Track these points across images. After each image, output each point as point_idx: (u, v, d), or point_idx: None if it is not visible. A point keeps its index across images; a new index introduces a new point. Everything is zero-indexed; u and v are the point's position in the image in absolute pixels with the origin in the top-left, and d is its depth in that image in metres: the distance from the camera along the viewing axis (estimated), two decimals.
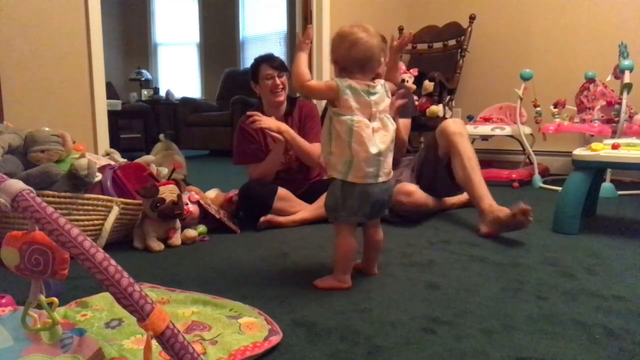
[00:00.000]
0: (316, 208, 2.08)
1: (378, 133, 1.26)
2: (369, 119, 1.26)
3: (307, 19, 3.36)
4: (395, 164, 2.32)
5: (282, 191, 2.09)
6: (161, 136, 2.97)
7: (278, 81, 2.16)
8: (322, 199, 2.02)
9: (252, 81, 2.24)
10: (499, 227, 1.81)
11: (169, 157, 2.74)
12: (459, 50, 3.69)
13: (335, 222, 1.33)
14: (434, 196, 2.27)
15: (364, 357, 0.92)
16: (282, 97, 2.21)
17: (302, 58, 1.30)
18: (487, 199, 1.92)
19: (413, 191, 2.06)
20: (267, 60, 2.18)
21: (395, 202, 2.05)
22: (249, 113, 2.09)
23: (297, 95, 2.36)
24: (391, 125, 1.30)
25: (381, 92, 1.29)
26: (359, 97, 1.25)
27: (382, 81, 1.32)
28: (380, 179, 1.27)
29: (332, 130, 1.26)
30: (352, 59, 1.26)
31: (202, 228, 1.91)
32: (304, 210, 2.11)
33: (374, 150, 1.24)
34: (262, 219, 1.99)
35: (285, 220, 2.04)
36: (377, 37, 1.29)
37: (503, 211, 1.80)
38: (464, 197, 2.41)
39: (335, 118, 1.25)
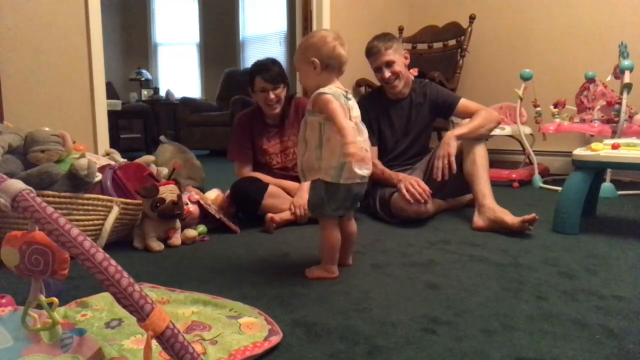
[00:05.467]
0: None
1: (357, 136, 1.34)
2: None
3: (307, 19, 3.35)
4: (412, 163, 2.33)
5: (272, 188, 2.09)
6: (162, 138, 2.90)
7: (272, 95, 2.12)
8: None
9: (249, 88, 2.23)
10: (496, 227, 1.93)
11: (187, 162, 2.65)
12: (459, 50, 3.69)
13: (320, 217, 1.41)
14: (442, 196, 2.28)
15: (364, 357, 0.92)
16: (277, 110, 2.18)
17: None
18: (490, 197, 2.03)
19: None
20: (261, 72, 2.12)
21: (397, 208, 2.06)
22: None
23: (294, 94, 2.36)
24: (365, 131, 1.40)
25: (354, 100, 1.39)
26: (342, 100, 1.34)
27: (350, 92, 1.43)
28: (365, 179, 1.39)
29: (323, 136, 1.33)
30: (336, 58, 1.36)
31: (202, 228, 1.91)
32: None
33: (363, 153, 1.33)
34: (268, 216, 1.99)
35: (280, 218, 2.03)
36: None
37: (507, 214, 1.92)
38: (465, 198, 2.41)
39: (326, 124, 1.32)
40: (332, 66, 1.36)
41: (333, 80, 1.38)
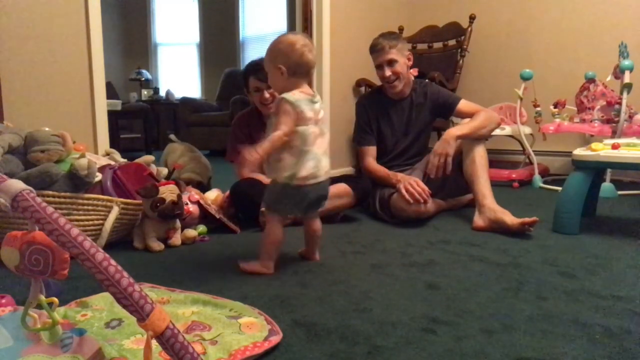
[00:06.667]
0: None
1: (318, 139, 1.39)
2: (315, 125, 1.39)
3: (307, 19, 3.35)
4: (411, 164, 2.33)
5: None
6: (172, 136, 2.88)
7: (266, 94, 2.12)
8: None
9: (244, 89, 2.22)
10: (496, 227, 1.92)
11: (195, 159, 2.66)
12: (459, 50, 3.68)
13: (269, 213, 1.46)
14: (442, 197, 2.28)
15: (364, 357, 0.92)
16: (273, 109, 2.18)
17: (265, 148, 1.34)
18: (490, 197, 2.02)
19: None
20: (254, 72, 2.12)
21: (397, 208, 2.06)
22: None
23: None
24: (327, 133, 1.45)
25: (320, 102, 1.42)
26: (308, 106, 1.37)
27: (318, 95, 1.45)
28: (320, 179, 1.41)
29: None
30: (303, 65, 1.39)
31: (202, 228, 1.91)
32: None
33: (317, 156, 1.38)
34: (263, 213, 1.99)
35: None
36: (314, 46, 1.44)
37: (507, 214, 1.91)
38: (465, 198, 2.41)
39: None
40: (299, 73, 1.39)
41: (300, 84, 1.40)
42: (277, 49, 1.40)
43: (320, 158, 1.40)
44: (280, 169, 1.38)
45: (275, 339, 0.97)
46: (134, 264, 1.55)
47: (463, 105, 2.24)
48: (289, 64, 1.38)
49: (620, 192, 2.74)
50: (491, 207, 1.97)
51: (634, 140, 1.93)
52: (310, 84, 1.47)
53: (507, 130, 3.18)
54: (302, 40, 1.39)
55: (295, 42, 1.38)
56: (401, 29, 3.95)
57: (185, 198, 1.91)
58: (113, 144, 2.64)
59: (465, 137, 2.09)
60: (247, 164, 1.32)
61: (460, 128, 2.12)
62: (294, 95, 1.36)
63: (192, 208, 1.93)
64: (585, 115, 2.88)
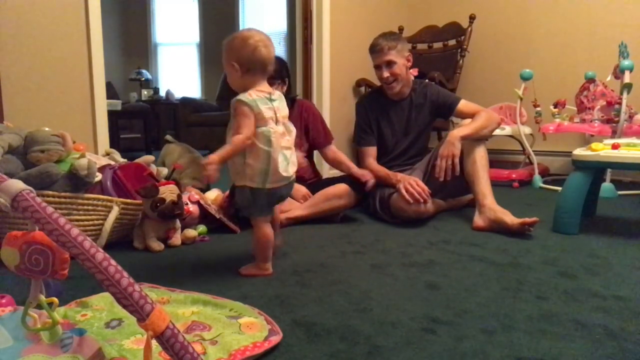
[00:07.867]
0: (309, 206, 2.10)
1: (283, 137, 1.37)
2: (276, 124, 1.35)
3: (307, 19, 3.35)
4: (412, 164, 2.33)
5: None
6: (168, 137, 2.88)
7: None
8: (315, 197, 2.12)
9: None
10: (496, 227, 1.92)
11: (194, 161, 2.65)
12: (459, 50, 3.68)
13: (250, 217, 1.44)
14: (442, 197, 2.28)
15: (364, 357, 0.92)
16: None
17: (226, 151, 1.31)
18: (490, 197, 2.02)
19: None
20: None
21: (397, 208, 2.06)
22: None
23: (296, 95, 2.35)
24: (293, 130, 1.42)
25: (280, 99, 1.38)
26: (266, 105, 1.33)
27: (277, 92, 1.41)
28: (291, 178, 1.41)
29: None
30: (256, 61, 1.33)
31: (202, 228, 1.91)
32: (297, 209, 2.11)
33: (287, 156, 1.36)
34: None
35: (281, 218, 2.04)
36: (272, 42, 1.38)
37: (507, 215, 1.91)
38: (465, 198, 2.41)
39: None
40: (253, 70, 1.34)
41: (258, 82, 1.36)
42: (230, 45, 1.36)
43: (289, 157, 1.38)
44: (250, 175, 1.33)
45: (275, 339, 0.98)
46: (134, 264, 1.55)
47: (463, 105, 2.24)
48: (242, 61, 1.33)
49: (620, 192, 2.74)
50: (491, 207, 1.97)
51: (634, 140, 1.93)
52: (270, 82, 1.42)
53: (507, 130, 3.18)
54: (256, 36, 1.34)
55: (248, 37, 1.33)
56: (401, 29, 3.94)
57: (185, 198, 1.91)
58: (113, 144, 2.63)
59: (467, 137, 2.09)
60: (205, 174, 1.27)
61: (462, 129, 2.11)
62: (249, 96, 1.31)
63: (192, 208, 1.93)
64: (585, 115, 2.88)
